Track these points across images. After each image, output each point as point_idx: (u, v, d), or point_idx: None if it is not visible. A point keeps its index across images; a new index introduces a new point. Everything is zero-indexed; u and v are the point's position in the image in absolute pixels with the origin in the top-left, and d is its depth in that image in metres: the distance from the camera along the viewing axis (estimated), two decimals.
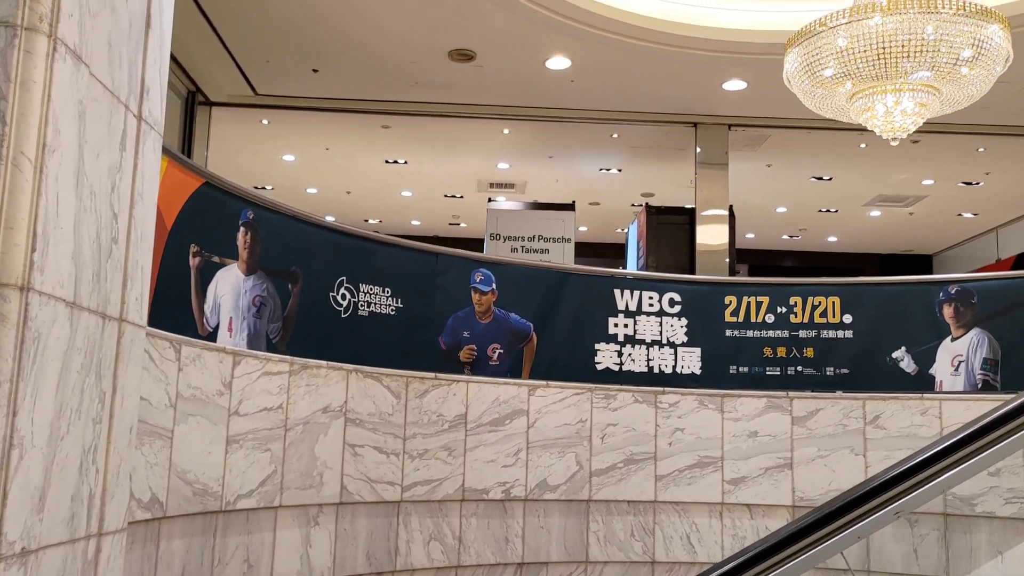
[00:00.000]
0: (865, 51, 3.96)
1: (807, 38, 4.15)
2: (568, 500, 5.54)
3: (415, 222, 14.49)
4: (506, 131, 8.72)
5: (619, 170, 10.86)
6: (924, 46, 3.99)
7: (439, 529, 5.04)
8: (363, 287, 4.80)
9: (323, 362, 4.38)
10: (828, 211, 12.89)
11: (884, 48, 3.91)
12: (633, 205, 12.01)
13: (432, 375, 5.00)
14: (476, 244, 11.49)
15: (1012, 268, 14.62)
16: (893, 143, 5.18)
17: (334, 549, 4.49)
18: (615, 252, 13.47)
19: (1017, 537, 5.26)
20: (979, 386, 5.57)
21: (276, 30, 7.10)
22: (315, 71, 7.88)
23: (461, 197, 11.91)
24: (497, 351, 5.42)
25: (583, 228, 14.40)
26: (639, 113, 8.04)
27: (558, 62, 7.16)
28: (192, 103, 8.69)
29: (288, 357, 4.17)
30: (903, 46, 3.92)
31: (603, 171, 10.50)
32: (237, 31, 7.25)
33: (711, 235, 8.28)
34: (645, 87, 7.50)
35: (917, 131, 8.52)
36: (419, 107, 8.25)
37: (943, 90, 4.44)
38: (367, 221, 14.36)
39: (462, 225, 14.14)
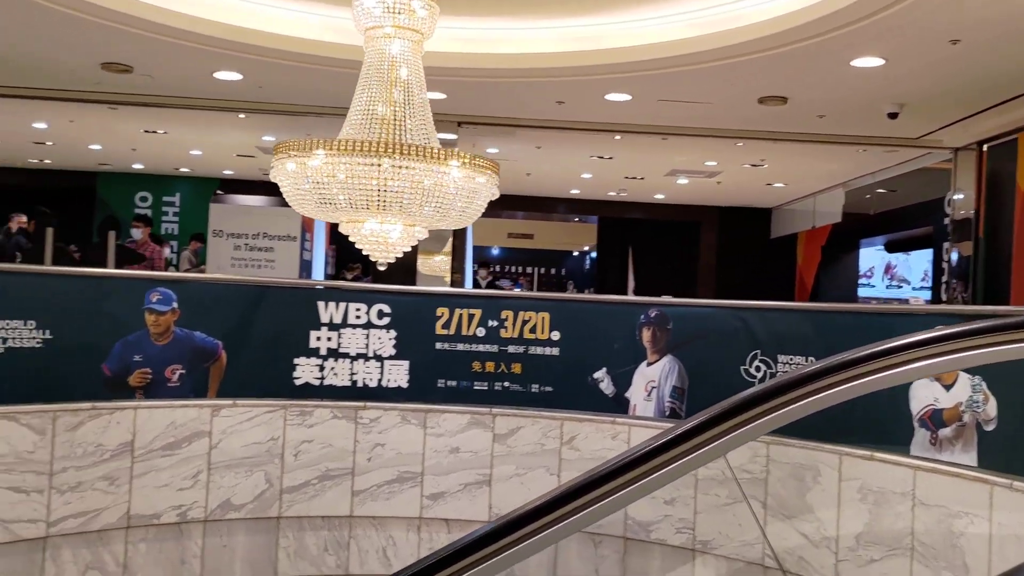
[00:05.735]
0: (343, 182, 3.85)
1: (298, 154, 3.99)
2: (255, 518, 5.47)
3: None
4: None
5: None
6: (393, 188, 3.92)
7: (98, 558, 4.89)
8: None
9: None
10: (635, 178, 12.90)
11: (362, 187, 3.82)
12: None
13: (88, 405, 4.76)
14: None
15: (827, 240, 14.95)
16: (381, 267, 5.21)
17: None
18: None
19: (683, 564, 5.48)
20: (667, 413, 5.70)
21: None
22: None
23: None
24: (178, 372, 5.21)
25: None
26: None
27: None
28: None
29: None
30: (378, 185, 3.83)
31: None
32: None
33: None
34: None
35: (655, 133, 8.53)
36: None
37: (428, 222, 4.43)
38: None
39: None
